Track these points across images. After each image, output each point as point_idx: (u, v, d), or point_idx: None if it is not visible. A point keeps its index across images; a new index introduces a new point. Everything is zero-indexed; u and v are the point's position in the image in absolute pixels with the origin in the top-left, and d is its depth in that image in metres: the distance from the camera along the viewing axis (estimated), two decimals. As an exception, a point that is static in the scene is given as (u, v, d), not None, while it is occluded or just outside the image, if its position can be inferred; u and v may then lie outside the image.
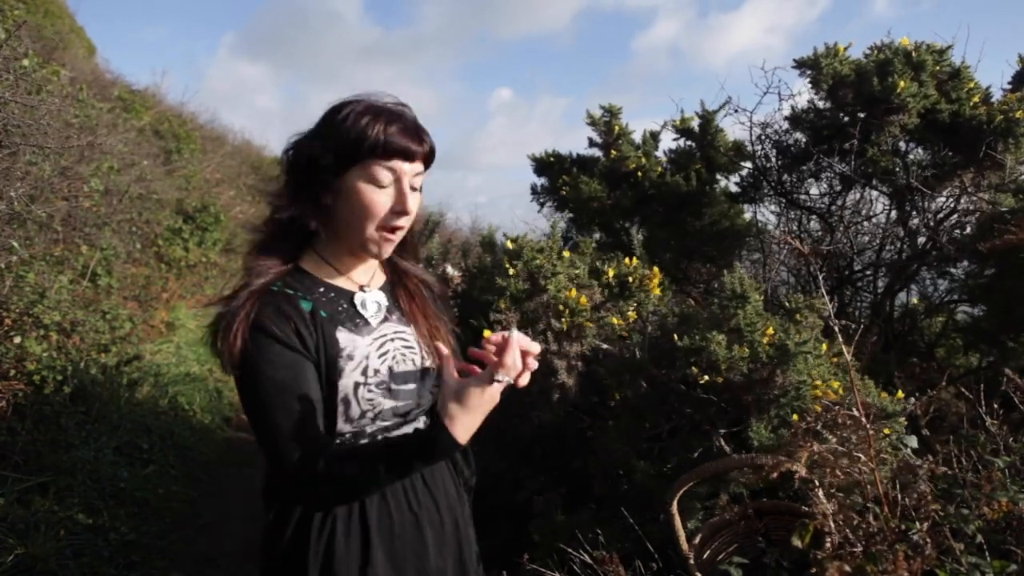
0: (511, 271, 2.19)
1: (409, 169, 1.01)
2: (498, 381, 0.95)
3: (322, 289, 1.05)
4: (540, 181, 4.20)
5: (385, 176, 1.00)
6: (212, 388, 5.16)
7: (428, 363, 1.11)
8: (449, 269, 4.38)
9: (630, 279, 2.31)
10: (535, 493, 2.37)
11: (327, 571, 1.00)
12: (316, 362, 0.99)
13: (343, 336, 1.03)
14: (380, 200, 1.00)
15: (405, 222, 1.04)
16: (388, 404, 1.05)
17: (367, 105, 1.01)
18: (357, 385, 1.02)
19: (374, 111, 1.00)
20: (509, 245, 2.35)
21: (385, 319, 1.10)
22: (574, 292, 2.10)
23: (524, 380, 0.96)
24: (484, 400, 0.95)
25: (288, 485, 0.99)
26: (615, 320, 2.20)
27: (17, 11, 4.46)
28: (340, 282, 1.08)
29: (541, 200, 4.16)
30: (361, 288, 1.10)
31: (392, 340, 1.08)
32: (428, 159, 1.05)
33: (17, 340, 3.18)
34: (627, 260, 2.39)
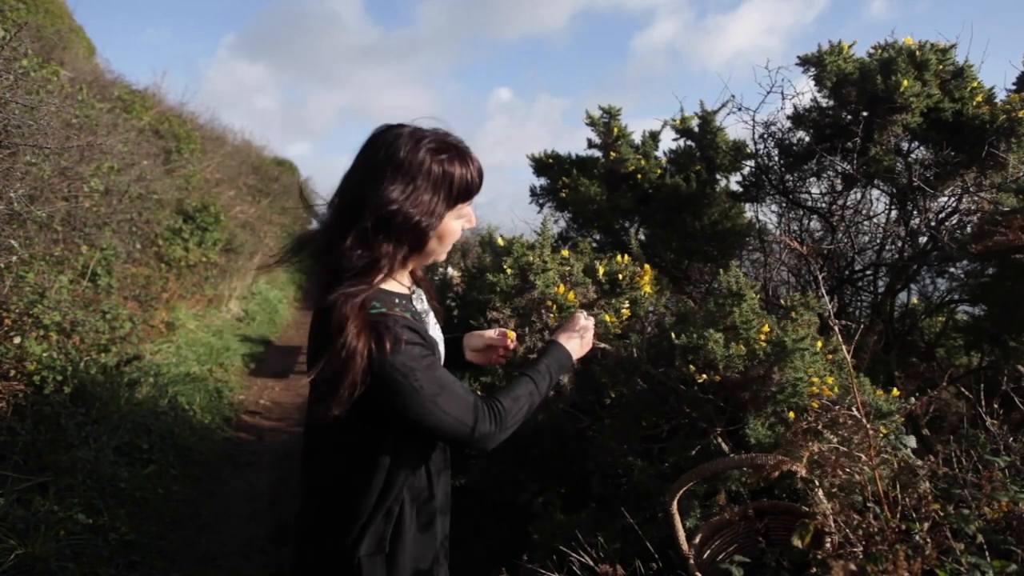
0: (507, 268, 2.19)
1: None
2: (584, 316, 1.39)
3: (398, 299, 1.19)
4: (539, 182, 4.19)
5: (468, 210, 1.21)
6: (212, 388, 5.17)
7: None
8: (449, 270, 4.38)
9: (620, 276, 2.31)
10: (534, 493, 2.37)
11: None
12: (434, 353, 1.18)
13: (432, 332, 1.25)
14: (460, 226, 1.21)
15: None
16: None
17: (465, 153, 1.17)
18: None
19: (457, 156, 1.15)
20: (500, 243, 2.37)
21: (429, 311, 1.32)
22: (562, 288, 2.10)
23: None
24: (577, 327, 1.37)
25: (472, 440, 1.15)
26: (608, 318, 2.19)
27: (17, 11, 4.46)
28: (399, 289, 1.24)
29: (540, 201, 4.16)
30: (411, 290, 1.27)
31: (436, 325, 1.33)
32: None
33: (17, 340, 3.18)
34: (619, 258, 2.40)
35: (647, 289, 2.31)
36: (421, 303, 1.28)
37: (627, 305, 2.28)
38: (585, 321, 1.39)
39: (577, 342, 1.36)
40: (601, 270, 2.31)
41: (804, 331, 1.82)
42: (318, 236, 1.20)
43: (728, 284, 1.99)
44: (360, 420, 1.15)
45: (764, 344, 1.83)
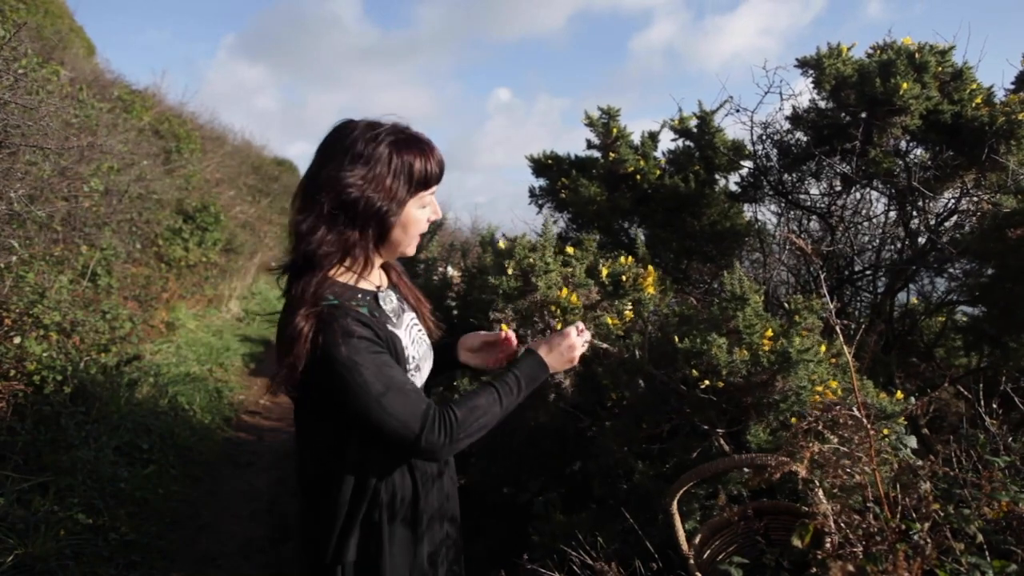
0: (509, 270, 2.19)
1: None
2: (578, 330, 1.31)
3: (360, 295, 1.19)
4: (539, 183, 4.19)
5: (429, 199, 1.22)
6: (212, 388, 5.16)
7: (429, 340, 1.35)
8: (449, 270, 4.38)
9: (623, 278, 2.30)
10: (534, 494, 2.37)
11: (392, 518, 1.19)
12: (389, 353, 1.16)
13: (393, 331, 1.20)
14: (424, 217, 1.22)
15: None
16: (419, 381, 1.26)
17: (425, 143, 1.19)
18: (407, 370, 1.20)
19: (415, 146, 1.17)
20: (502, 245, 2.36)
21: (403, 310, 1.29)
22: (565, 291, 2.10)
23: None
24: (564, 343, 1.29)
25: (418, 448, 1.11)
26: (610, 320, 2.19)
27: (17, 11, 4.46)
28: (364, 285, 1.23)
29: (540, 202, 4.15)
30: (378, 288, 1.25)
31: (415, 327, 1.30)
32: None
33: (17, 340, 3.18)
34: (622, 259, 2.39)
35: (651, 290, 2.30)
36: (390, 303, 1.25)
37: (630, 307, 2.28)
38: (576, 338, 1.31)
39: (559, 357, 1.30)
40: (604, 271, 2.31)
41: (809, 340, 1.82)
42: (290, 228, 1.20)
43: (732, 287, 1.98)
44: (318, 419, 1.17)
45: (768, 351, 1.83)
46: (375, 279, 1.26)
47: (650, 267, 2.40)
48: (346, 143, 1.14)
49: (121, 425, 3.59)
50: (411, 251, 1.24)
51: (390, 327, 1.20)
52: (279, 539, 3.19)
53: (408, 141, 1.17)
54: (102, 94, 6.05)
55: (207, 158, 8.52)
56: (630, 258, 2.42)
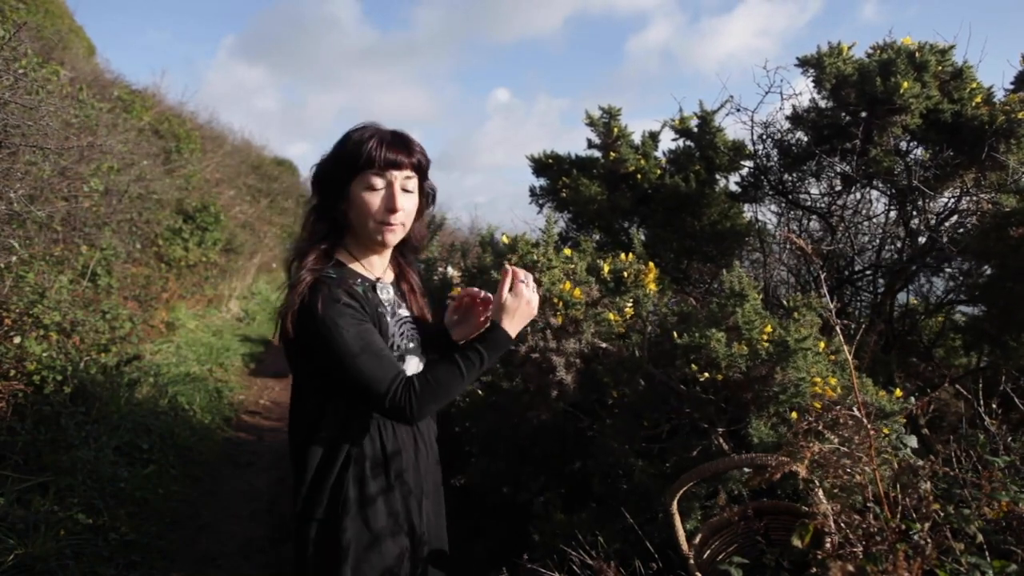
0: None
1: (399, 175, 1.30)
2: (522, 282, 1.34)
3: (359, 280, 1.32)
4: (539, 182, 4.18)
5: (378, 182, 1.28)
6: (212, 388, 5.17)
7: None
8: (450, 270, 4.37)
9: (625, 274, 2.30)
10: (534, 493, 2.37)
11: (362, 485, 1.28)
12: (373, 326, 1.27)
13: (383, 315, 1.32)
14: (375, 201, 1.29)
15: (401, 217, 1.31)
16: (410, 370, 1.36)
17: (371, 130, 1.30)
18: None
19: (372, 132, 1.29)
20: (505, 240, 2.37)
21: (399, 306, 1.40)
22: (568, 285, 2.10)
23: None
24: (521, 304, 1.33)
25: (384, 406, 1.22)
26: (612, 316, 2.19)
27: (17, 11, 4.46)
28: (364, 272, 1.36)
29: (540, 202, 4.15)
30: (378, 279, 1.38)
31: (407, 323, 1.40)
32: (418, 167, 1.33)
33: (17, 340, 3.18)
34: (623, 256, 2.39)
35: (652, 287, 2.30)
36: (386, 294, 1.38)
37: (631, 304, 2.28)
38: (528, 292, 1.35)
39: (520, 318, 1.35)
40: (605, 268, 2.31)
41: (807, 331, 1.82)
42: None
43: (731, 284, 1.99)
44: (301, 381, 1.31)
45: (767, 344, 1.83)
46: (377, 270, 1.39)
47: (651, 264, 2.39)
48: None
49: (121, 425, 3.59)
50: (383, 237, 1.31)
51: (380, 310, 1.32)
52: (279, 539, 3.19)
53: (374, 133, 1.29)
54: (102, 94, 6.05)
55: (207, 158, 8.52)
56: (631, 255, 2.42)
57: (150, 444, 3.67)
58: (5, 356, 3.13)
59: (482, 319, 1.48)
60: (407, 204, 1.32)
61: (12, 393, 3.10)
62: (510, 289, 1.34)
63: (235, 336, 7.15)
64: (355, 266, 1.34)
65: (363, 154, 1.26)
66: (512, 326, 1.33)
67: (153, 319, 5.70)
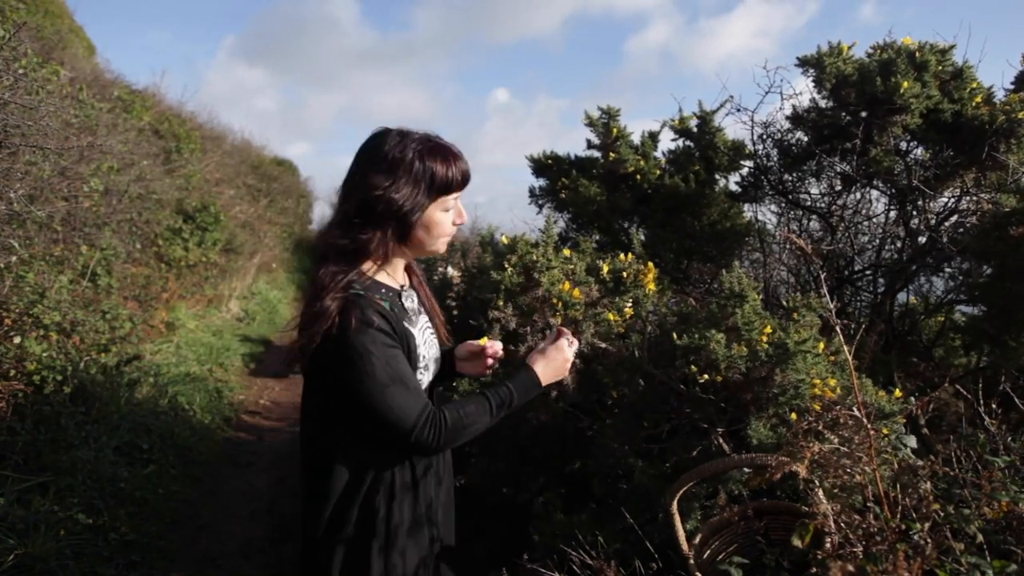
0: (508, 267, 2.19)
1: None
2: (568, 342, 1.37)
3: (384, 290, 1.28)
4: (539, 183, 4.19)
5: (452, 203, 1.29)
6: (212, 388, 5.16)
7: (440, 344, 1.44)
8: (450, 270, 4.38)
9: (624, 274, 2.31)
10: (534, 493, 2.37)
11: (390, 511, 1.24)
12: (402, 349, 1.23)
13: (409, 328, 1.28)
14: (449, 220, 1.30)
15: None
16: (426, 381, 1.34)
17: (431, 147, 1.25)
18: (415, 368, 1.27)
19: (440, 154, 1.26)
20: (504, 240, 2.37)
21: (420, 312, 1.38)
22: (568, 285, 2.10)
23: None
24: (560, 357, 1.36)
25: (409, 441, 1.18)
26: (611, 316, 2.19)
27: (17, 11, 4.46)
28: (389, 282, 1.32)
29: (540, 202, 4.15)
30: (402, 287, 1.34)
31: (427, 329, 1.38)
32: None
33: (17, 340, 3.18)
34: (623, 256, 2.40)
35: (651, 287, 2.31)
36: (411, 302, 1.35)
37: (630, 304, 2.28)
38: (568, 351, 1.39)
39: (553, 370, 1.37)
40: (605, 268, 2.32)
41: (806, 333, 1.82)
42: (324, 227, 1.35)
43: (730, 285, 1.99)
44: (325, 400, 1.24)
45: (766, 345, 1.83)
46: (399, 278, 1.36)
47: (650, 264, 2.40)
48: (377, 150, 1.25)
49: (121, 425, 3.58)
50: (440, 249, 1.33)
51: (406, 324, 1.28)
52: (279, 539, 3.19)
53: (433, 149, 1.25)
54: (102, 94, 6.05)
55: (207, 158, 8.52)
56: (630, 255, 2.42)
57: (150, 444, 3.67)
58: (5, 356, 3.13)
59: (486, 369, 1.49)
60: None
61: (12, 393, 3.10)
62: (553, 342, 1.37)
63: (235, 336, 7.15)
64: (381, 276, 1.30)
65: (453, 183, 1.26)
66: (544, 374, 1.35)
67: (153, 319, 5.70)
